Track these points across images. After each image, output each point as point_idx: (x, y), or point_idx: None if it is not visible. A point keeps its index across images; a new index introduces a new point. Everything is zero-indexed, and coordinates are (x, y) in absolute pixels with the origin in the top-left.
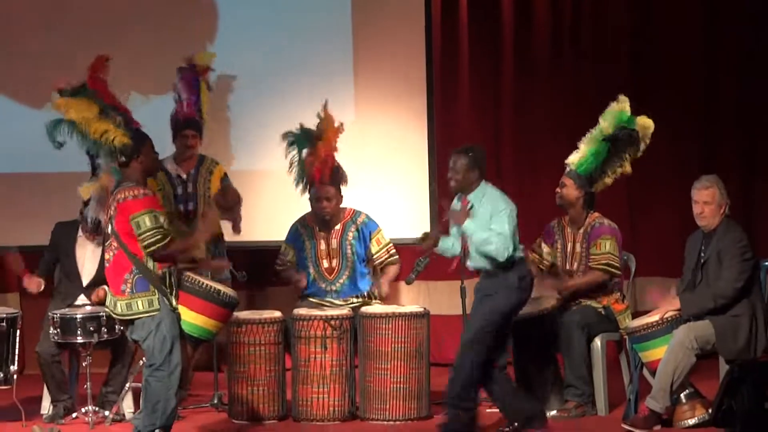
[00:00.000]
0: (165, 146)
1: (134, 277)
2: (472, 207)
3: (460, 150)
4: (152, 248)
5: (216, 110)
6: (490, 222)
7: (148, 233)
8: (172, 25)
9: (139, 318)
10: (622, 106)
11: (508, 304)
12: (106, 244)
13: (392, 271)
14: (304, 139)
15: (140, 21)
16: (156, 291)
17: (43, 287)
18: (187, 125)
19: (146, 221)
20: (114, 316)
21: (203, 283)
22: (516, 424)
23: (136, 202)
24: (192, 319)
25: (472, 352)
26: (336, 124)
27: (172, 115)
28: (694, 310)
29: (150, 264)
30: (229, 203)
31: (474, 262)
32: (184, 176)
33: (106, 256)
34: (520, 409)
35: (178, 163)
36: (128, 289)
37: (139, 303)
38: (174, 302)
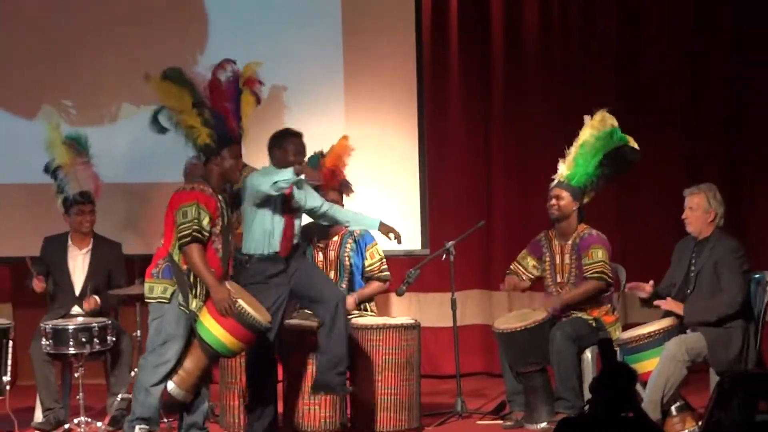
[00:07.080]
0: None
1: (164, 264)
2: None
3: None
4: (181, 241)
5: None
6: None
7: (186, 224)
8: (165, 33)
9: (151, 302)
10: (611, 122)
11: None
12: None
13: (374, 286)
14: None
15: (132, 25)
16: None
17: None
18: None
19: (192, 211)
20: None
21: (236, 302)
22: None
23: (190, 193)
24: (213, 329)
25: None
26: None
27: None
28: (696, 320)
29: (176, 257)
30: None
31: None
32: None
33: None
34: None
35: None
36: (155, 273)
37: (158, 288)
38: (193, 304)
